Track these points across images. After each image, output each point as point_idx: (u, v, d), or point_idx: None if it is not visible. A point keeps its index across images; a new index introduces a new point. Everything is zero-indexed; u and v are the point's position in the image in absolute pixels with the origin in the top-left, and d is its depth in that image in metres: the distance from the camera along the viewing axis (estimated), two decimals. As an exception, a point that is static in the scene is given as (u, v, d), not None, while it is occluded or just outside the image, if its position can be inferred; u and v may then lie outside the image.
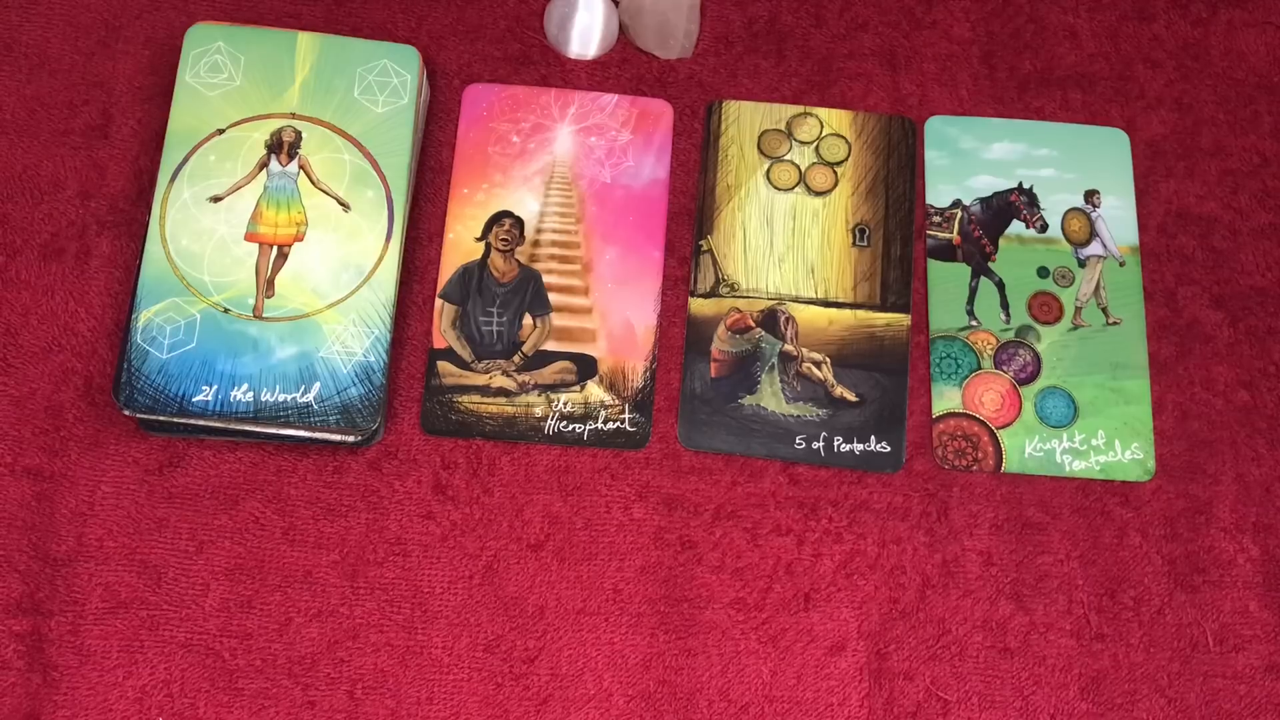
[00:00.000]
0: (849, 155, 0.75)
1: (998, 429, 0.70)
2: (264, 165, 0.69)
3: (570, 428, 0.69)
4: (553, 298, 0.71)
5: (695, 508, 0.68)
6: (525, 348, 0.70)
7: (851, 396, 0.70)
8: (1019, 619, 0.67)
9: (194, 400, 0.65)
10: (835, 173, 0.74)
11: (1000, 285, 0.73)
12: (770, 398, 0.70)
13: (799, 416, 0.69)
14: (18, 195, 0.72)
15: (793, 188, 0.74)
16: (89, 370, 0.68)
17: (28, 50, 0.75)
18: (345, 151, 0.70)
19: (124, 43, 0.75)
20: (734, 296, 0.72)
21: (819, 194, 0.74)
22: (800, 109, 0.76)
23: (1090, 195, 0.75)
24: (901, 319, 0.72)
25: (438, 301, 0.71)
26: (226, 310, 0.67)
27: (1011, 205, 0.74)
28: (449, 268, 0.71)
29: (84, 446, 0.67)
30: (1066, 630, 0.67)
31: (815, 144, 0.75)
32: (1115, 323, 0.72)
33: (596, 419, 0.69)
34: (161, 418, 0.65)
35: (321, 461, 0.68)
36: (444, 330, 0.70)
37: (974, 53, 0.78)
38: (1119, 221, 0.74)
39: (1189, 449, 0.70)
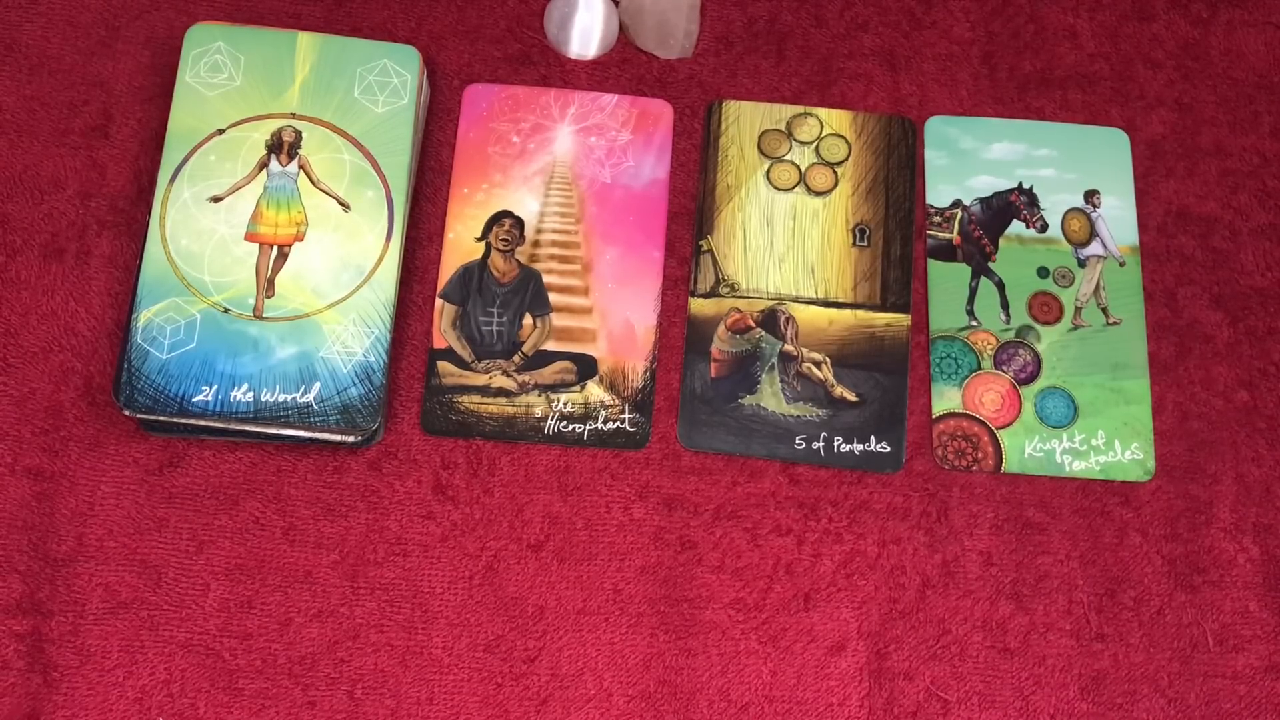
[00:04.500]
0: (849, 155, 0.75)
1: (998, 429, 0.70)
2: (264, 165, 0.69)
3: (570, 428, 0.69)
4: (553, 298, 0.71)
5: (695, 508, 0.68)
6: (525, 348, 0.70)
7: (851, 396, 0.70)
8: (1019, 619, 0.67)
9: (194, 400, 0.65)
10: (835, 173, 0.74)
11: (1000, 285, 0.73)
12: (770, 398, 0.70)
13: (799, 416, 0.69)
14: (18, 195, 0.72)
15: (793, 188, 0.74)
16: (89, 370, 0.69)
17: (28, 50, 0.75)
18: (345, 151, 0.70)
19: (124, 43, 0.75)
20: (734, 296, 0.72)
21: (819, 194, 0.74)
22: (800, 109, 0.76)
23: (1090, 195, 0.75)
24: (901, 319, 0.72)
25: (438, 301, 0.71)
26: (226, 310, 0.67)
27: (1011, 205, 0.74)
28: (449, 268, 0.71)
29: (84, 446, 0.67)
30: (1066, 630, 0.67)
31: (815, 144, 0.75)
32: (1115, 323, 0.72)
33: (596, 419, 0.69)
34: (161, 418, 0.65)
35: (321, 461, 0.68)
36: (444, 330, 0.70)
37: (974, 53, 0.78)
38: (1119, 221, 0.74)
39: (1189, 449, 0.70)
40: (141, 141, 0.73)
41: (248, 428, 0.66)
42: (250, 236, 0.68)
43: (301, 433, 0.66)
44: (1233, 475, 0.69)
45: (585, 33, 0.76)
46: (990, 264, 0.73)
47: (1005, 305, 0.72)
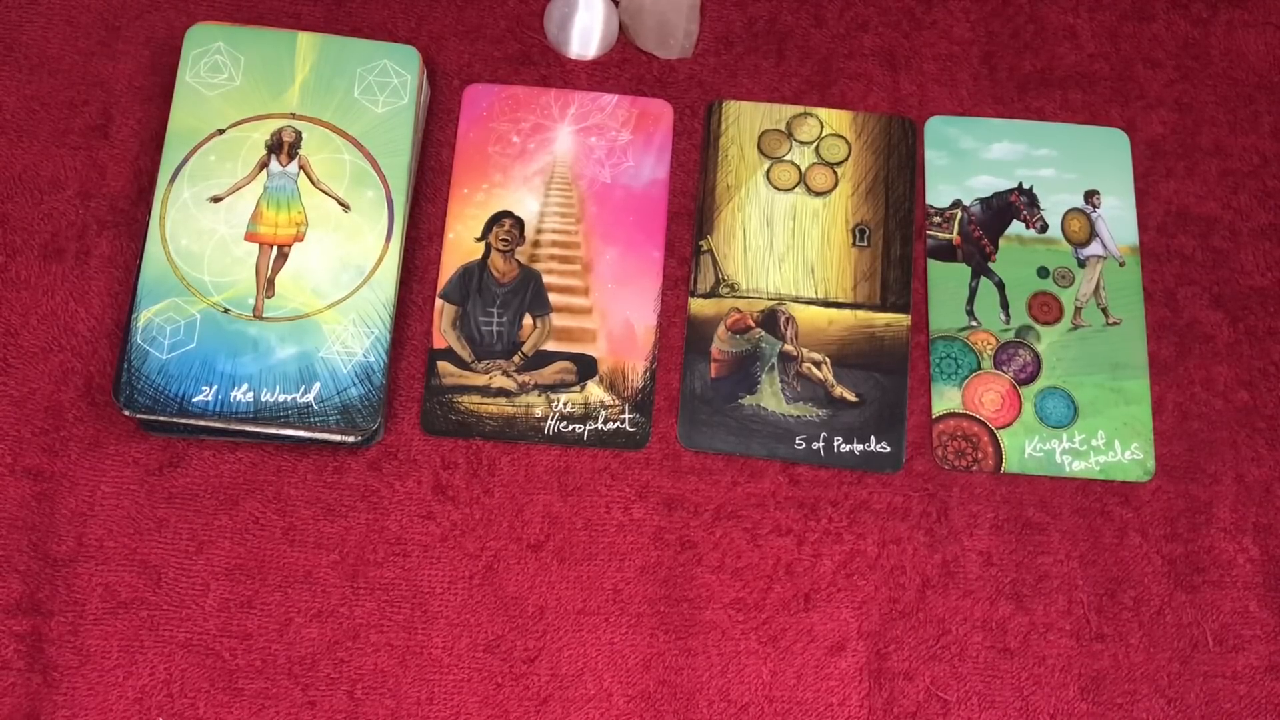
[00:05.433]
0: (849, 155, 0.75)
1: (998, 429, 0.70)
2: (264, 165, 0.69)
3: (570, 428, 0.69)
4: (553, 298, 0.71)
5: (695, 508, 0.68)
6: (525, 348, 0.70)
7: (851, 396, 0.70)
8: (1019, 619, 0.67)
9: (194, 400, 0.65)
10: (835, 173, 0.74)
11: (1000, 285, 0.73)
12: (770, 398, 0.70)
13: (799, 417, 0.69)
14: (18, 195, 0.72)
15: (793, 188, 0.74)
16: (89, 370, 0.69)
17: (28, 50, 0.75)
18: (345, 151, 0.70)
19: (124, 43, 0.75)
20: (734, 296, 0.72)
21: (819, 194, 0.74)
22: (800, 109, 0.76)
23: (1090, 195, 0.75)
24: (901, 319, 0.72)
25: (438, 301, 0.71)
26: (226, 310, 0.67)
27: (1011, 205, 0.74)
28: (449, 268, 0.71)
29: (84, 446, 0.67)
30: (1066, 630, 0.67)
31: (815, 144, 0.75)
32: (1115, 323, 0.72)
33: (596, 419, 0.69)
34: (161, 418, 0.65)
35: (321, 461, 0.68)
36: (444, 330, 0.70)
37: (974, 53, 0.78)
38: (1119, 221, 0.74)
39: (1189, 449, 0.70)
40: (141, 141, 0.73)
41: (248, 428, 0.66)
42: (250, 236, 0.68)
43: (301, 433, 0.66)
44: (1233, 475, 0.69)
45: (585, 33, 0.76)
46: (990, 264, 0.73)
47: (1005, 305, 0.72)
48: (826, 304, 0.72)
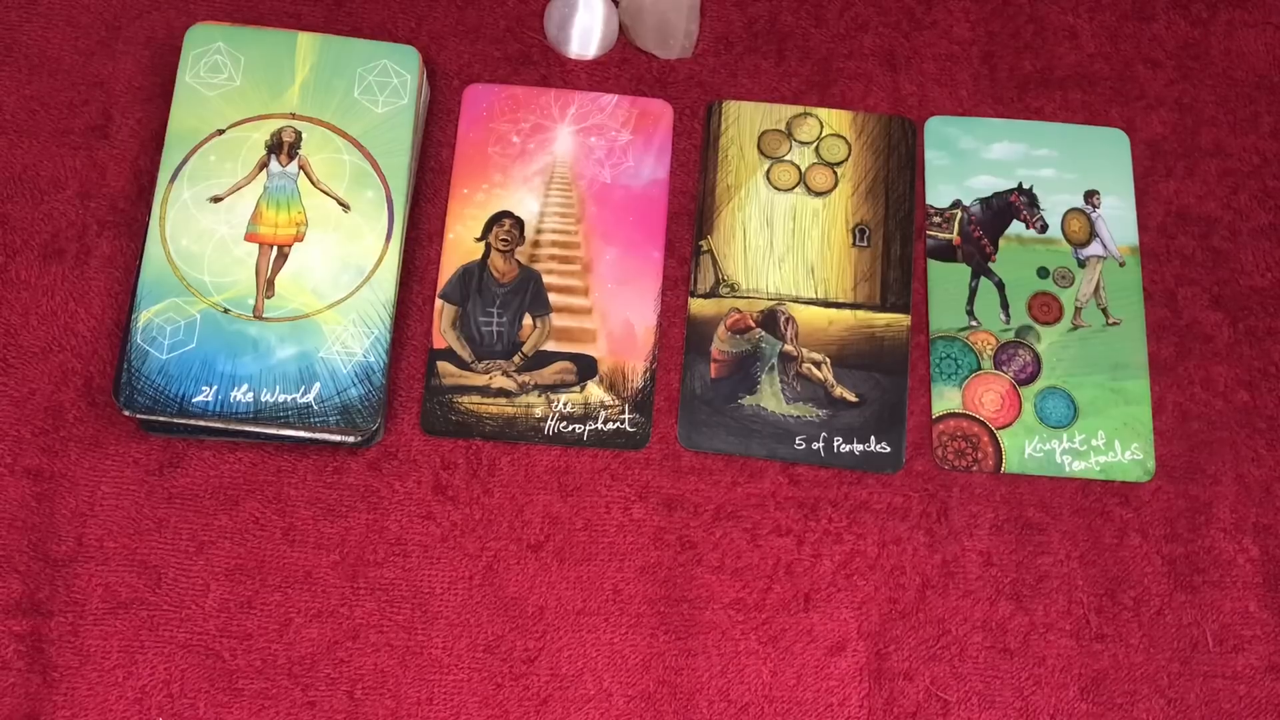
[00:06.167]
0: (849, 155, 0.75)
1: (998, 429, 0.70)
2: (264, 165, 0.69)
3: (570, 428, 0.69)
4: (553, 298, 0.71)
5: (695, 508, 0.68)
6: (525, 348, 0.70)
7: (851, 397, 0.70)
8: (1019, 619, 0.67)
9: (194, 401, 0.65)
10: (835, 173, 0.74)
11: (1000, 285, 0.73)
12: (770, 398, 0.70)
13: (799, 417, 0.69)
14: (18, 195, 0.72)
15: (793, 188, 0.74)
16: (89, 370, 0.69)
17: (28, 50, 0.75)
18: (345, 152, 0.70)
19: (124, 43, 0.75)
20: (734, 297, 0.72)
21: (819, 194, 0.74)
22: (800, 109, 0.76)
23: (1090, 195, 0.75)
24: (901, 319, 0.72)
25: (438, 302, 0.71)
26: (226, 310, 0.67)
27: (1011, 205, 0.74)
28: (449, 268, 0.71)
29: (84, 446, 0.67)
30: (1066, 630, 0.67)
31: (815, 144, 0.75)
32: (1115, 323, 0.72)
33: (596, 419, 0.69)
34: (161, 418, 0.65)
35: (321, 462, 0.68)
36: (444, 330, 0.70)
37: (974, 53, 0.78)
38: (1119, 222, 0.74)
39: (1189, 449, 0.70)
40: (141, 141, 0.73)
41: (248, 428, 0.66)
42: (250, 237, 0.68)
43: (301, 433, 0.66)
44: (1233, 475, 0.69)
45: (585, 33, 0.76)
46: (990, 264, 0.73)
47: (1005, 305, 0.72)
48: (826, 304, 0.72)
